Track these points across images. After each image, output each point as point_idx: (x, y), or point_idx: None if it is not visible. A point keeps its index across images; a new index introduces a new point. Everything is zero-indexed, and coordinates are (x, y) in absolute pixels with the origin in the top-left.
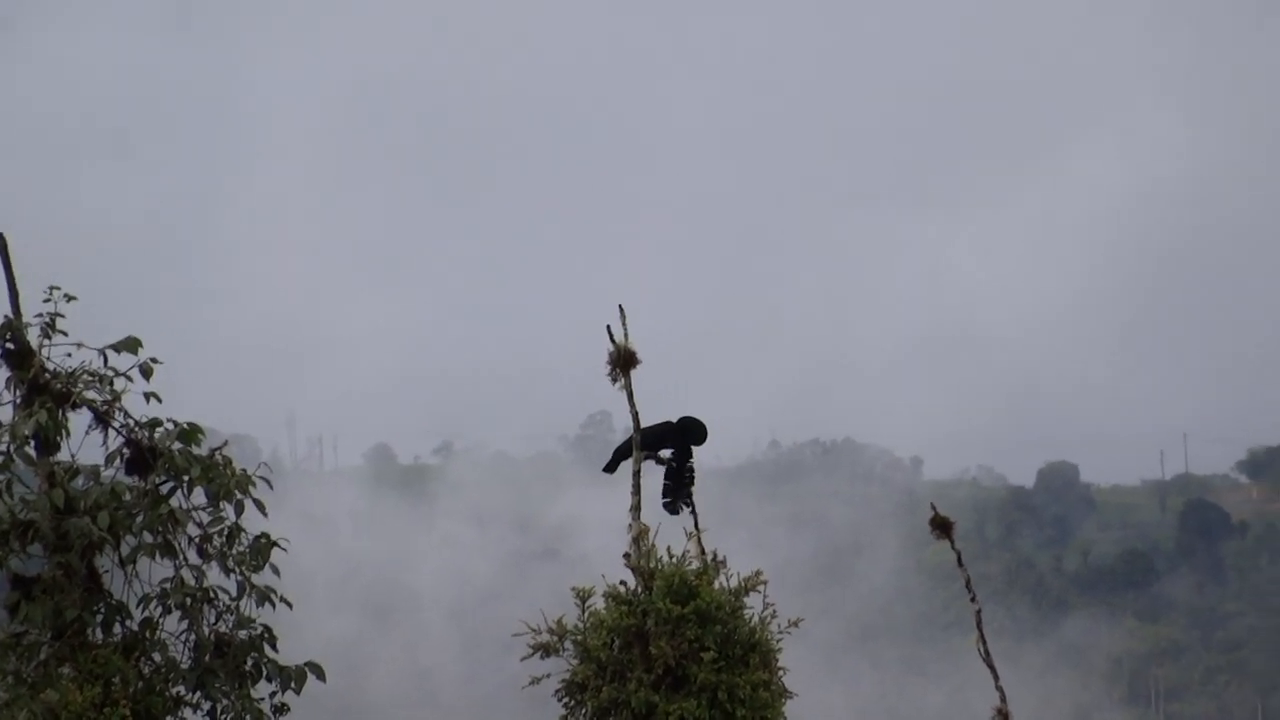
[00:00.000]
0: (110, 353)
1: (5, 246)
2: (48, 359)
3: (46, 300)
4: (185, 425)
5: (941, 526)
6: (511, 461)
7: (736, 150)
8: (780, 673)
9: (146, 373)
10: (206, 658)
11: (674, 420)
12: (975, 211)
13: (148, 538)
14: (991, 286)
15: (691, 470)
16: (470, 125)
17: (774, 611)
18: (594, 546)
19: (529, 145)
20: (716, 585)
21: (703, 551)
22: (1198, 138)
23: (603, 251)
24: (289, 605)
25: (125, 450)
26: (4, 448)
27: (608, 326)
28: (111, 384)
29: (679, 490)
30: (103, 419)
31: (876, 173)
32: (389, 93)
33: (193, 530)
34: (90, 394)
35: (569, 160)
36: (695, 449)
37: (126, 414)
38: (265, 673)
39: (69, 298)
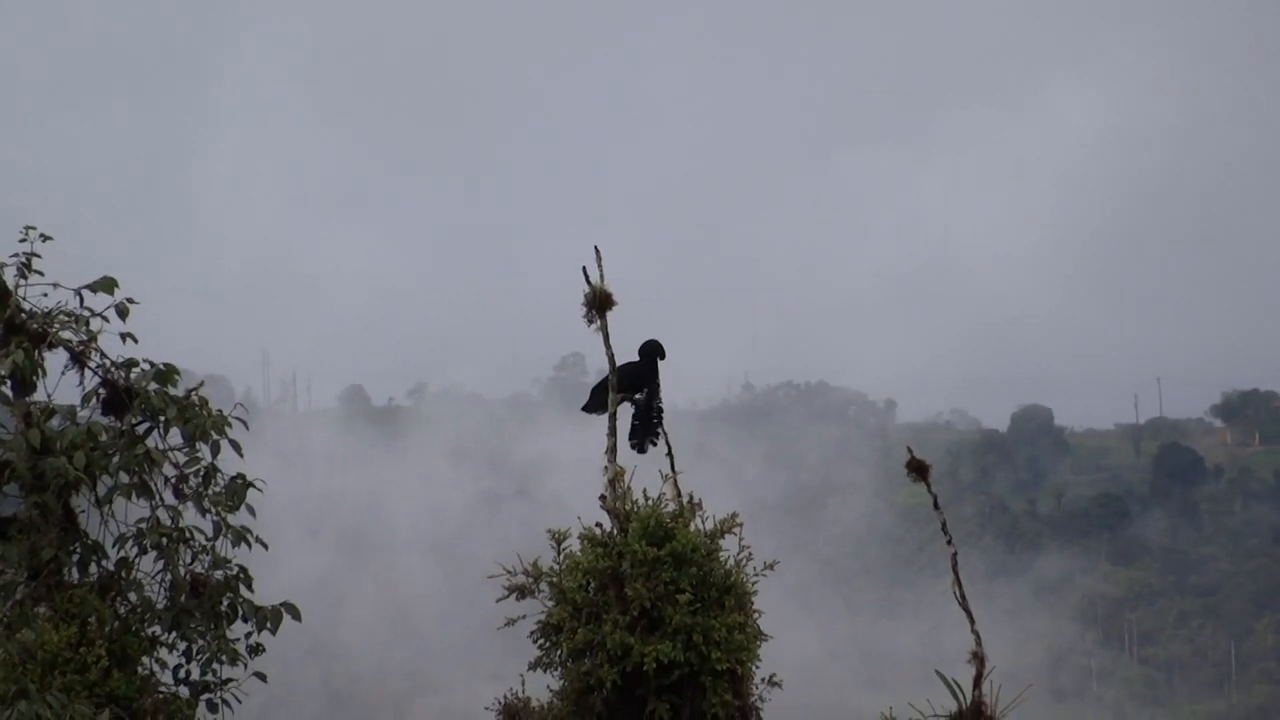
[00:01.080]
0: (86, 293)
1: None
2: (24, 299)
3: (22, 240)
4: (161, 366)
5: (918, 469)
6: (485, 403)
7: (711, 95)
8: (756, 615)
9: (123, 313)
10: (182, 598)
11: (639, 356)
12: (951, 153)
13: (124, 478)
14: (967, 230)
15: (660, 409)
16: (445, 70)
17: (749, 554)
18: (566, 487)
19: (504, 90)
20: (692, 527)
21: (679, 494)
22: (1179, 80)
23: (578, 197)
24: (264, 546)
25: (101, 390)
26: None
27: (584, 268)
28: (88, 324)
29: (646, 428)
30: (79, 359)
31: (851, 114)
32: (363, 38)
33: (169, 471)
34: (66, 334)
35: (543, 107)
36: (666, 398)
37: (103, 354)
38: (241, 613)
39: (45, 238)
